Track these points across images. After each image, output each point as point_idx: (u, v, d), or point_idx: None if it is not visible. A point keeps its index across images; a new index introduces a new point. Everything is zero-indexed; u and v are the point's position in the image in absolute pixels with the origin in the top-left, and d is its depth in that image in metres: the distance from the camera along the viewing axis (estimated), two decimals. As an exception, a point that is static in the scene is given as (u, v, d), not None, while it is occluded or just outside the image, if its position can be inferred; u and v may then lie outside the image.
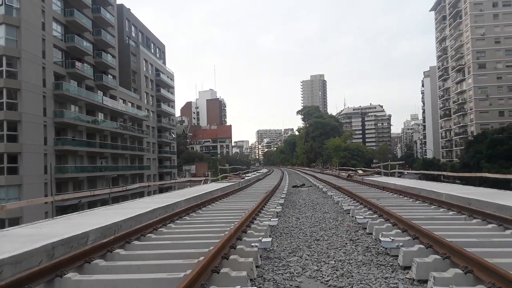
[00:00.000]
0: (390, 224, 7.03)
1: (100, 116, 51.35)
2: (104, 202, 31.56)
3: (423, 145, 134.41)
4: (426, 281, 4.22)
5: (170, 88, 79.29)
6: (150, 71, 69.87)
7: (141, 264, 4.70)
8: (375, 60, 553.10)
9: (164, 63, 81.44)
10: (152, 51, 75.18)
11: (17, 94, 36.40)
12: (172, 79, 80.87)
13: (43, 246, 5.08)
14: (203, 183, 26.86)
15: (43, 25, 40.00)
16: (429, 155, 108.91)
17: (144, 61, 66.58)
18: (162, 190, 52.85)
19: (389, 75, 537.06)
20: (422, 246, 5.14)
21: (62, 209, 33.41)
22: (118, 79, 56.63)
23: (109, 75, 53.82)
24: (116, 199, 35.03)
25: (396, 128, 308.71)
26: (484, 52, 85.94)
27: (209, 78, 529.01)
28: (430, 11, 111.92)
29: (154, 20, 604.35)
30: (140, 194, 44.83)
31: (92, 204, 37.44)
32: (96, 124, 49.15)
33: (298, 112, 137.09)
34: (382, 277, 4.60)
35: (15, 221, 28.71)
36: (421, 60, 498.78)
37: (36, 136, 38.21)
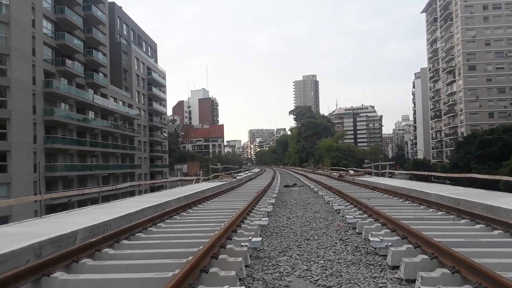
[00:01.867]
0: (379, 224, 7.07)
1: (91, 115, 50.97)
2: (94, 201, 31.32)
3: (414, 145, 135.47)
4: (414, 281, 4.24)
5: (161, 87, 78.90)
6: (141, 70, 69.40)
7: (130, 263, 4.67)
8: (367, 61, 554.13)
9: (156, 61, 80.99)
10: (144, 49, 74.70)
11: (6, 91, 35.94)
12: (164, 78, 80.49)
13: (30, 245, 5.03)
14: (194, 182, 26.75)
15: (33, 22, 39.57)
16: (420, 155, 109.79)
17: (135, 59, 66.13)
18: (153, 189, 52.59)
19: (380, 76, 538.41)
20: (410, 246, 5.17)
21: (52, 208, 33.03)
22: (109, 78, 56.21)
23: (100, 73, 53.41)
24: (106, 198, 34.71)
25: (387, 128, 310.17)
26: (475, 54, 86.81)
27: (201, 77, 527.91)
28: (421, 13, 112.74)
29: (145, 19, 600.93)
30: (131, 193, 44.49)
31: (82, 203, 37.03)
32: (87, 123, 48.78)
33: (290, 112, 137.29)
34: (371, 277, 4.62)
35: (3, 220, 28.26)
36: (412, 61, 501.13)
37: (26, 134, 37.79)
